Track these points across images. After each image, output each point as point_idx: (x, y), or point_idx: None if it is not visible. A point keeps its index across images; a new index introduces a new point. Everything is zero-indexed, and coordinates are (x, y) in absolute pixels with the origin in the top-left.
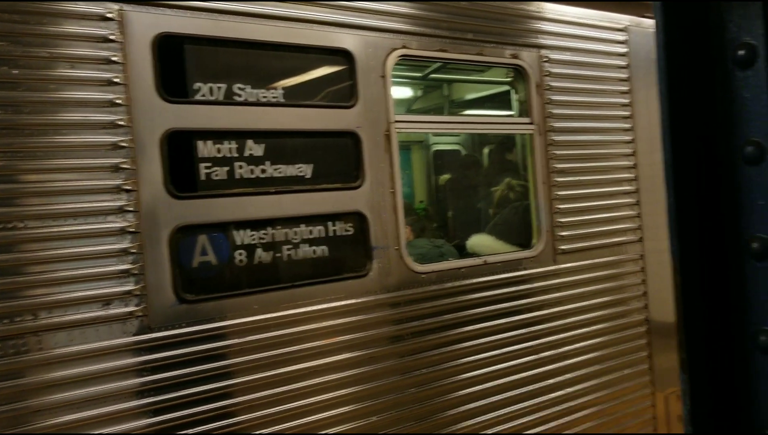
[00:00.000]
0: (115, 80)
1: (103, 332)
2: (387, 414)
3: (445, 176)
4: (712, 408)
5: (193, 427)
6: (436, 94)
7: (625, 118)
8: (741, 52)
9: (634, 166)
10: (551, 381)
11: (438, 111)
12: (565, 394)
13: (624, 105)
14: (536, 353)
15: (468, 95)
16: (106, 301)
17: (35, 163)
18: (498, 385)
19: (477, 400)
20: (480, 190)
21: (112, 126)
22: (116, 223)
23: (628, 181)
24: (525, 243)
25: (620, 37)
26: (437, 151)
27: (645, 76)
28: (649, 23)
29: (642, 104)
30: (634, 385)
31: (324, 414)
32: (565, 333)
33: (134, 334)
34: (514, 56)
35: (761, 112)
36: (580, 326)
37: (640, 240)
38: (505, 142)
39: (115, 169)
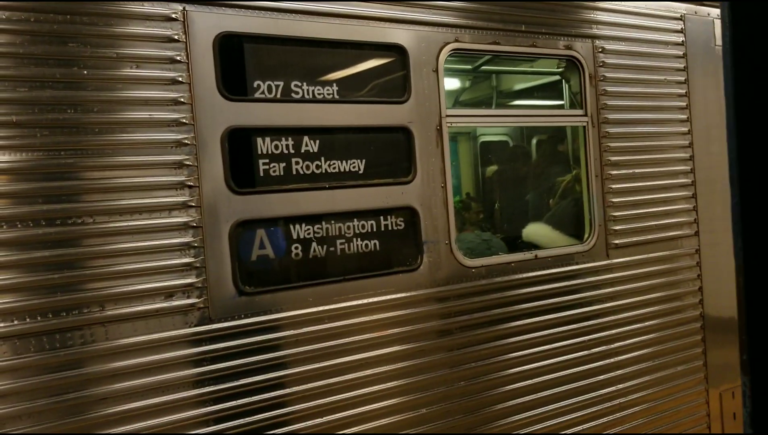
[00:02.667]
0: (179, 79)
1: (166, 323)
2: (437, 406)
3: (492, 168)
4: None
5: (250, 416)
6: (485, 86)
7: (682, 108)
8: None
9: (691, 158)
10: (602, 377)
11: (486, 102)
12: (616, 391)
13: (680, 95)
14: (588, 349)
15: (517, 86)
16: (170, 293)
17: (102, 160)
18: (547, 380)
19: (526, 395)
20: (529, 182)
21: (175, 124)
22: (179, 218)
23: (684, 173)
24: (580, 235)
25: (676, 26)
26: (484, 142)
27: (702, 65)
28: (706, 11)
29: (699, 94)
30: (687, 382)
31: (375, 405)
32: (617, 329)
33: (195, 325)
34: (568, 47)
35: None
36: (632, 322)
37: (696, 234)
38: (556, 134)
39: (179, 165)
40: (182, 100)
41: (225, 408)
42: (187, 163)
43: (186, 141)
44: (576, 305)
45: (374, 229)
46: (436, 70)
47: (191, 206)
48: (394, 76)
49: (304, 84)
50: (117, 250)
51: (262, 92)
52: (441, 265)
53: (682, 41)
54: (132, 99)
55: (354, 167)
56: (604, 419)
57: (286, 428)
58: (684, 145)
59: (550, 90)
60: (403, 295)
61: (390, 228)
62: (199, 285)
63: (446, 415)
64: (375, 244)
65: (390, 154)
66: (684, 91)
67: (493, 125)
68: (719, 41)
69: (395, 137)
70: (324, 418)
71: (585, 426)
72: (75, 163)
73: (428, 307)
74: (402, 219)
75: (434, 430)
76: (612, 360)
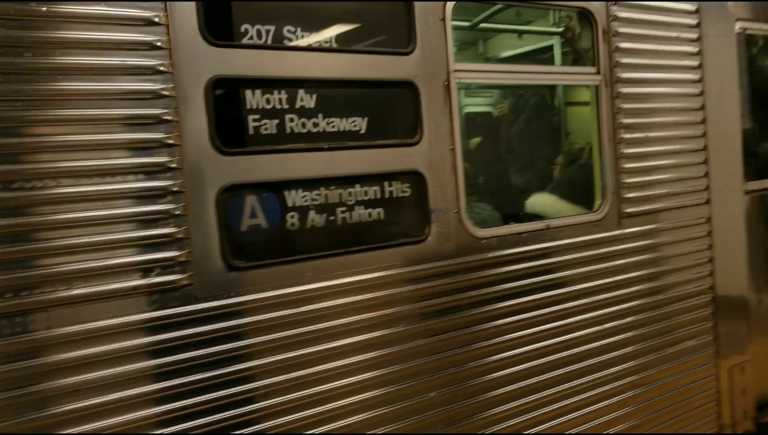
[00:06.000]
0: (155, 20)
1: (142, 303)
2: (446, 389)
3: (476, 140)
4: None
5: (244, 405)
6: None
7: (694, 68)
8: None
9: (703, 122)
10: (615, 354)
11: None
12: (627, 369)
13: (693, 54)
14: (600, 324)
15: (511, 49)
16: (148, 269)
17: (66, 113)
18: (560, 358)
19: (539, 374)
20: (518, 154)
21: (152, 72)
22: (158, 181)
23: (696, 137)
24: (588, 204)
25: None
26: (468, 113)
27: (716, 23)
28: None
29: (712, 54)
30: (697, 357)
31: (381, 390)
32: (628, 303)
33: (178, 305)
34: None
35: None
36: (644, 295)
37: (708, 202)
38: (542, 103)
39: (157, 120)
40: (159, 44)
41: (213, 398)
42: (166, 118)
43: (164, 92)
44: (588, 278)
45: (378, 196)
46: (443, 19)
47: (171, 168)
48: (399, 23)
49: (298, 29)
50: (85, 218)
51: (251, 37)
52: (450, 236)
53: None
54: (100, 41)
55: (355, 126)
56: (617, 398)
57: (284, 418)
58: (696, 108)
59: (541, 55)
60: (410, 268)
61: (395, 195)
62: (183, 259)
63: (453, 399)
64: (379, 212)
65: (394, 112)
66: (697, 50)
67: (503, 81)
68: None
69: (400, 93)
70: (327, 405)
71: (598, 405)
72: (32, 117)
73: (437, 281)
74: (408, 185)
75: (445, 415)
76: (624, 336)
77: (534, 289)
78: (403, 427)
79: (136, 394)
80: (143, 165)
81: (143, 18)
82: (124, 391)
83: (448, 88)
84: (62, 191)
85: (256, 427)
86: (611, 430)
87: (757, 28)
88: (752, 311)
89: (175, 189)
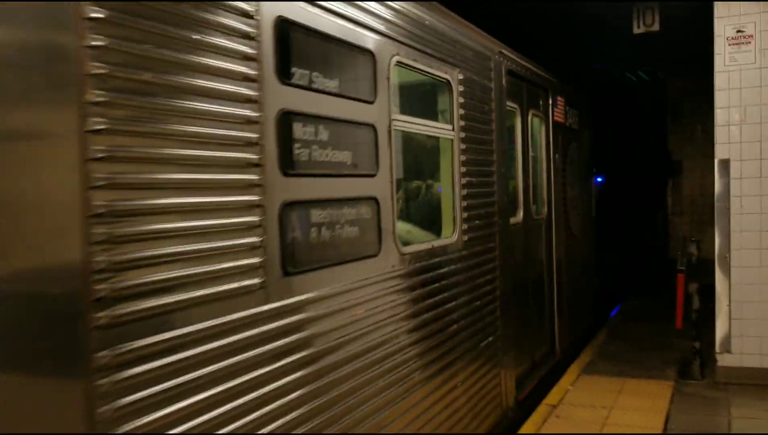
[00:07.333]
0: (252, 55)
1: (238, 304)
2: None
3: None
4: None
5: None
6: None
7: (491, 131)
8: None
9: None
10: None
11: None
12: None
13: (492, 117)
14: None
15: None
16: (242, 272)
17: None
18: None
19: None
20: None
21: (246, 100)
22: (249, 196)
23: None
24: (436, 231)
25: (490, 62)
26: None
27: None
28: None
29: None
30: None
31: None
32: (472, 292)
33: (260, 305)
34: (446, 72)
35: None
36: (473, 290)
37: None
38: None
39: (250, 144)
40: (253, 77)
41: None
42: (256, 141)
43: (255, 118)
44: (453, 274)
45: (356, 217)
46: (389, 78)
47: (258, 185)
48: (368, 77)
49: (320, 76)
50: (197, 227)
51: (297, 78)
52: (390, 252)
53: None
54: (213, 68)
55: (346, 158)
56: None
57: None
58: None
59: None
60: (369, 277)
61: (363, 216)
62: (260, 265)
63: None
64: (356, 230)
65: (365, 148)
66: (493, 116)
67: (422, 132)
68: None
69: (367, 133)
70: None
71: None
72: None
73: (384, 287)
74: (370, 208)
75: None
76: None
77: (433, 293)
78: None
79: (236, 385)
80: (242, 181)
81: (245, 53)
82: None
83: (389, 132)
84: (181, 201)
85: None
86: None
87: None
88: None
89: (259, 204)
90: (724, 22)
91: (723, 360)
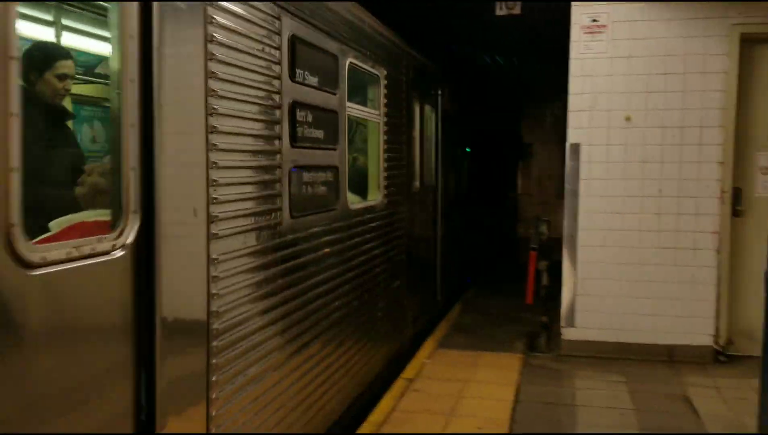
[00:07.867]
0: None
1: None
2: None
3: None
4: None
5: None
6: None
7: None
8: None
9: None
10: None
11: None
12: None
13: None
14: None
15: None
16: (274, 211)
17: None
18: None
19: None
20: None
21: (275, 91)
22: (274, 160)
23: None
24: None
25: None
26: None
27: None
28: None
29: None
30: None
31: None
32: (391, 242)
33: (281, 238)
34: (378, 70)
35: None
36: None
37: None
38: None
39: (277, 122)
40: (277, 74)
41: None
42: (279, 121)
43: (279, 105)
44: (375, 238)
45: (328, 180)
46: (345, 75)
47: (279, 151)
48: (333, 75)
49: (308, 74)
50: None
51: (298, 77)
52: (343, 206)
53: None
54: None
55: (320, 135)
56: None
57: None
58: (403, 138)
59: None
60: (333, 225)
61: (329, 180)
62: (281, 209)
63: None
64: (326, 190)
65: (332, 127)
66: (404, 105)
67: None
68: None
69: (332, 117)
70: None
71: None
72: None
73: (341, 233)
74: (333, 174)
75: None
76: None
77: (368, 235)
78: None
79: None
80: (274, 148)
81: (278, 58)
82: None
83: (345, 116)
84: (249, 162)
85: None
86: None
87: None
88: None
89: (280, 165)
90: (581, 11)
91: (567, 334)
